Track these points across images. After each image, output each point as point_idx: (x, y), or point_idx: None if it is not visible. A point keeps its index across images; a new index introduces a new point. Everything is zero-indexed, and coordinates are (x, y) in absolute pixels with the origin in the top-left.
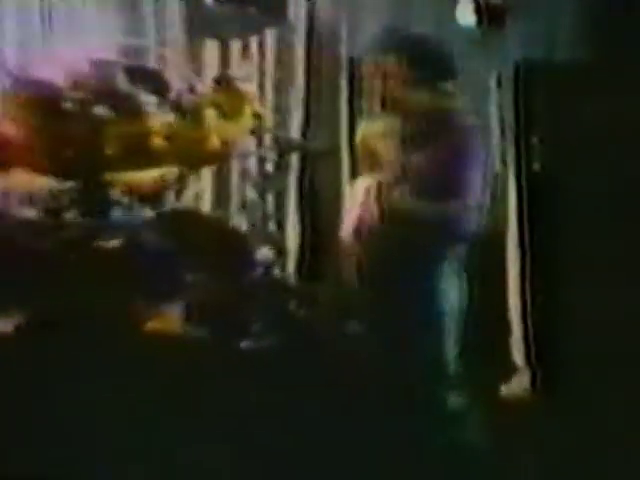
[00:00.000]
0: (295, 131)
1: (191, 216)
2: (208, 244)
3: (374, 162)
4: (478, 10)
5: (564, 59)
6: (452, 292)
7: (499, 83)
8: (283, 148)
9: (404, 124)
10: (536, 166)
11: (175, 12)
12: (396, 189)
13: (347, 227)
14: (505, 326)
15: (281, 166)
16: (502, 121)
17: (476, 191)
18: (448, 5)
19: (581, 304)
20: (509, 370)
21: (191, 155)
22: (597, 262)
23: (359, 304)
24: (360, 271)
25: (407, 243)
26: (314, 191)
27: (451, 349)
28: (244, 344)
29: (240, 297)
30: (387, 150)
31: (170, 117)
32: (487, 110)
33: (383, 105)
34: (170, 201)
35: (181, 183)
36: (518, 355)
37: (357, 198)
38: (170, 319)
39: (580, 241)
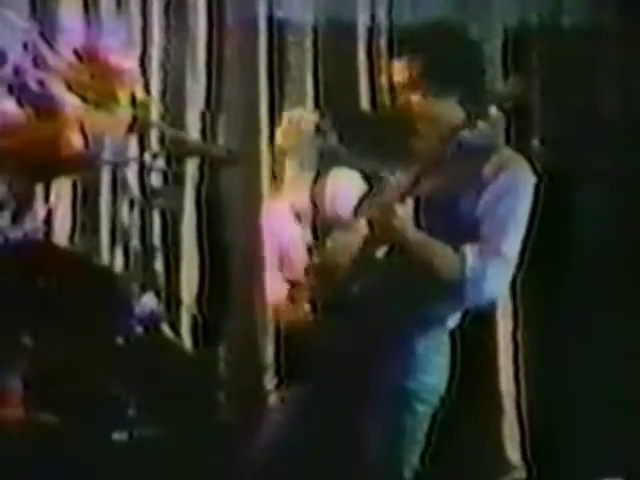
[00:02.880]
0: (193, 127)
1: (38, 249)
2: (63, 291)
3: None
4: None
5: (571, 24)
6: (433, 375)
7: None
8: (175, 151)
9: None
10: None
11: None
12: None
13: (271, 271)
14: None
15: (172, 177)
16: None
17: (507, 243)
18: None
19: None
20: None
21: (39, 160)
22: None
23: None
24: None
25: (390, 294)
26: (219, 213)
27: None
28: (117, 435)
29: (109, 368)
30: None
31: (7, 103)
32: None
33: None
34: (4, 226)
35: (24, 201)
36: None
37: (284, 227)
38: (6, 399)
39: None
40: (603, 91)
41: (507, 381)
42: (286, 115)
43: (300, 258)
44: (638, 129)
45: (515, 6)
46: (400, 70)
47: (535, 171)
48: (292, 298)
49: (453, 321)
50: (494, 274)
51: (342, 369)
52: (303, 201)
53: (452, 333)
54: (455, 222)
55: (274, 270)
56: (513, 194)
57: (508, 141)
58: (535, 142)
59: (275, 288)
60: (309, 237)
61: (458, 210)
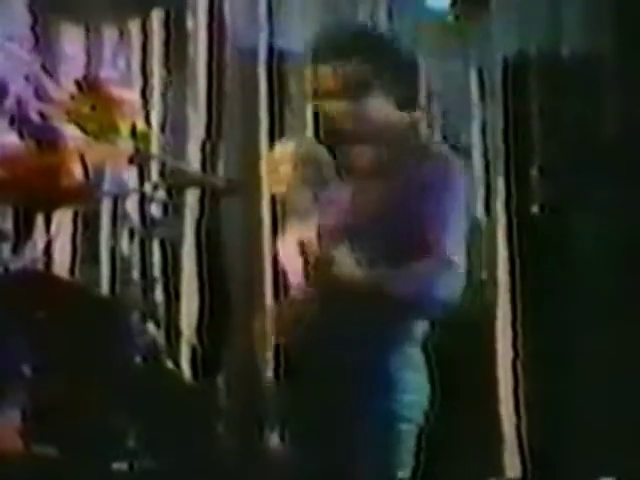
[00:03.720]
0: (194, 157)
1: (38, 280)
2: (62, 321)
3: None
4: None
5: (569, 53)
6: (412, 393)
7: (482, 88)
8: (176, 182)
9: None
10: (534, 208)
11: None
12: (334, 246)
13: (269, 301)
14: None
15: (173, 208)
16: (486, 144)
17: (451, 247)
18: None
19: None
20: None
21: (41, 191)
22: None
23: (279, 408)
24: (283, 363)
25: (350, 324)
26: (219, 244)
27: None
28: (116, 466)
29: (109, 399)
30: (312, 185)
31: (8, 135)
32: (466, 128)
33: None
34: (4, 257)
35: (24, 231)
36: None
37: (287, 258)
38: (5, 432)
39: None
40: (602, 120)
41: (505, 386)
42: (266, 158)
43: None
44: (637, 158)
45: (514, 35)
46: (327, 77)
47: (533, 199)
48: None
49: (421, 333)
50: (444, 281)
51: (328, 397)
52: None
53: (425, 347)
54: (397, 233)
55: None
56: (450, 193)
57: (507, 171)
58: (534, 172)
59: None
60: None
61: (398, 220)
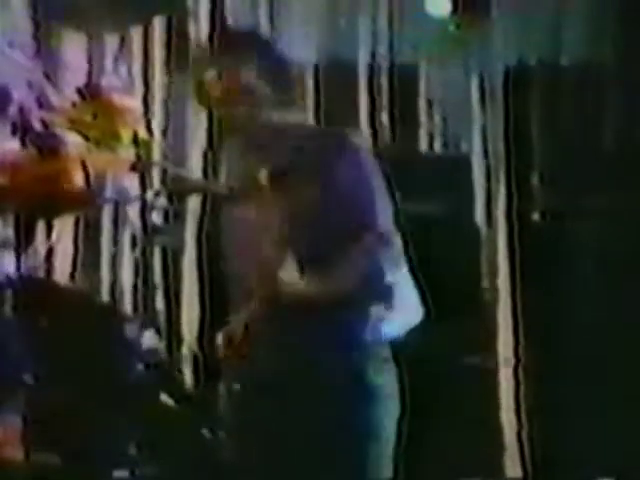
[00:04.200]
0: (195, 165)
1: (39, 287)
2: (63, 328)
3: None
4: None
5: (570, 61)
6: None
7: (482, 96)
8: (177, 189)
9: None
10: (535, 215)
11: None
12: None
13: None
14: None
15: (174, 215)
16: (487, 151)
17: (383, 223)
18: None
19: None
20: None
21: (42, 197)
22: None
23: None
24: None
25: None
26: (220, 251)
27: None
28: (118, 473)
29: (110, 407)
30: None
31: (11, 142)
32: (466, 135)
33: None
34: (6, 264)
35: (26, 237)
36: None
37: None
38: (6, 439)
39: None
40: (602, 128)
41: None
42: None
43: None
44: (636, 166)
45: (515, 43)
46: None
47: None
48: None
49: (388, 331)
50: (388, 263)
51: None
52: None
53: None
54: (330, 227)
55: None
56: (363, 170)
57: (508, 179)
58: (535, 179)
59: None
60: None
61: (327, 212)
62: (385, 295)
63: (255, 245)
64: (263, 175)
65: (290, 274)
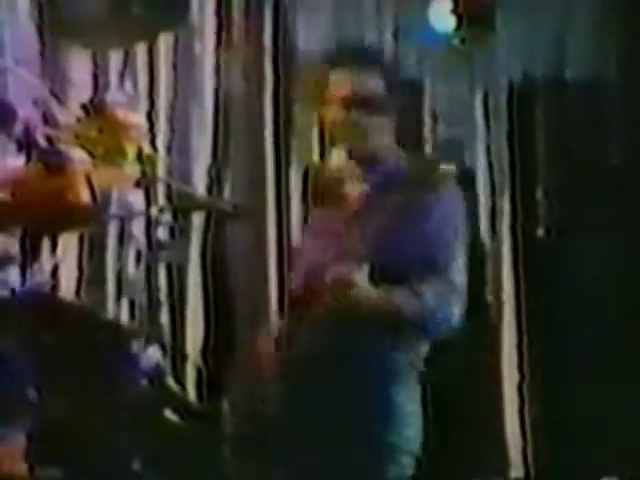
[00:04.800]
0: (200, 181)
1: (44, 303)
2: (67, 343)
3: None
4: (457, 9)
5: (574, 77)
6: (411, 417)
7: (487, 111)
8: (182, 205)
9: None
10: (540, 231)
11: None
12: (354, 269)
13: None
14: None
15: (179, 231)
16: (491, 166)
17: (454, 270)
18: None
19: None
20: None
21: (47, 213)
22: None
23: (282, 435)
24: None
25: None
26: (225, 267)
27: None
28: None
29: (112, 422)
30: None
31: (16, 159)
32: (471, 150)
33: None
34: (12, 280)
35: (31, 253)
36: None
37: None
38: (9, 455)
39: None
40: (607, 143)
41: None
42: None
43: None
44: None
45: (520, 58)
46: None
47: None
48: None
49: (419, 361)
50: (449, 305)
51: (325, 423)
52: None
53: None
54: (406, 257)
55: None
56: (453, 216)
57: (513, 194)
58: (539, 195)
59: None
60: None
61: (406, 244)
62: (435, 334)
63: (325, 249)
64: (357, 189)
65: (364, 280)
